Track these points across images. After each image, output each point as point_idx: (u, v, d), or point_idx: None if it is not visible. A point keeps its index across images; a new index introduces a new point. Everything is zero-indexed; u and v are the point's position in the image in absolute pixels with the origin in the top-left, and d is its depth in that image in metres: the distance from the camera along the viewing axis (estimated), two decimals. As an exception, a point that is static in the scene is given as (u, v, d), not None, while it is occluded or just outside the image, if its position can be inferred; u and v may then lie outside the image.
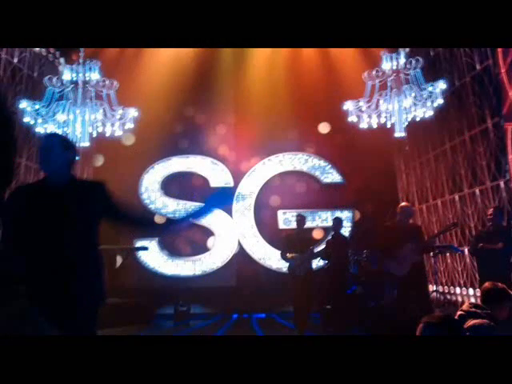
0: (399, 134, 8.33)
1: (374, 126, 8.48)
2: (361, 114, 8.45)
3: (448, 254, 8.14)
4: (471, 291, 7.51)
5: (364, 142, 8.64)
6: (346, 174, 9.86)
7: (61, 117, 8.47)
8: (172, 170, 10.06)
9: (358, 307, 6.66)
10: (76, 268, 2.41)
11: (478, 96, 7.06)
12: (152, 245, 9.43)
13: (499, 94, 6.44)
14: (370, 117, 8.45)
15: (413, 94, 8.09)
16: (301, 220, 6.71)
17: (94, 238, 2.55)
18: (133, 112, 8.73)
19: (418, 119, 8.18)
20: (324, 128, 9.64)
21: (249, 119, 9.57)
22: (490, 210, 5.90)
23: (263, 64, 9.59)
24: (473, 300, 7.01)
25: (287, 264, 6.53)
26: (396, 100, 8.30)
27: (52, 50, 8.78)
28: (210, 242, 9.80)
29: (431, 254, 6.89)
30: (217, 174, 9.96)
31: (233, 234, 9.80)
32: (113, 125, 8.73)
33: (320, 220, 9.76)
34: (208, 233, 9.75)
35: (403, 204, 6.35)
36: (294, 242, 6.49)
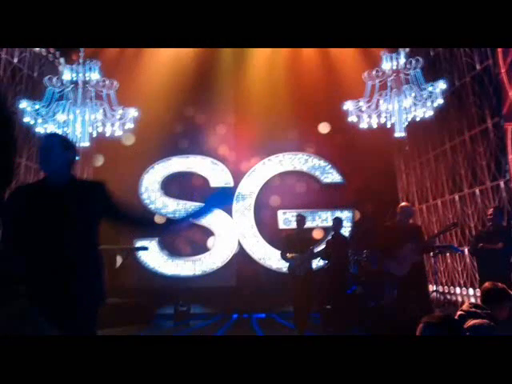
0: (399, 133, 8.34)
1: (374, 126, 8.48)
2: (361, 114, 8.45)
3: (448, 254, 8.14)
4: (471, 291, 7.51)
5: (364, 142, 8.64)
6: (346, 173, 9.86)
7: (61, 117, 8.47)
8: (172, 170, 10.06)
9: (357, 307, 6.66)
10: (76, 268, 2.41)
11: (478, 96, 7.06)
12: (152, 245, 9.43)
13: (499, 94, 6.44)
14: (370, 117, 8.45)
15: (413, 94, 8.09)
16: (301, 220, 6.71)
17: (94, 237, 2.55)
18: (133, 112, 8.73)
19: (418, 119, 8.18)
20: (324, 128, 9.64)
21: (249, 119, 9.57)
22: (490, 210, 5.90)
23: (263, 64, 9.59)
24: (473, 300, 7.01)
25: (287, 264, 6.53)
26: (396, 100, 8.30)
27: (52, 50, 8.78)
28: (210, 241, 9.80)
29: (431, 253, 6.89)
30: (217, 174, 9.96)
31: (233, 234, 9.80)
32: (113, 125, 8.73)
33: (320, 220, 9.76)
34: (208, 233, 9.75)
35: (403, 204, 6.35)
36: (294, 242, 6.49)
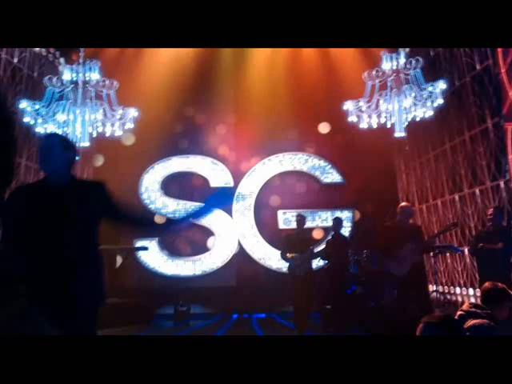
0: (399, 133, 8.34)
1: (374, 126, 8.48)
2: (361, 114, 8.45)
3: (448, 254, 8.14)
4: (471, 291, 7.51)
5: (364, 142, 8.64)
6: (346, 173, 9.86)
7: (61, 117, 8.47)
8: (172, 170, 10.06)
9: (357, 307, 6.66)
10: (76, 268, 2.41)
11: (478, 96, 7.06)
12: (152, 245, 9.43)
13: (499, 94, 6.44)
14: (370, 117, 8.45)
15: (413, 94, 8.09)
16: (301, 220, 6.71)
17: (94, 237, 2.55)
18: (133, 112, 8.73)
19: (418, 119, 8.18)
20: (324, 128, 9.64)
21: (249, 119, 9.57)
22: (490, 210, 5.90)
23: (263, 64, 9.59)
24: (473, 300, 7.01)
25: (287, 264, 6.53)
26: (396, 100, 8.30)
27: (52, 50, 8.78)
28: (210, 241, 9.80)
29: (431, 253, 6.89)
30: (217, 174, 9.96)
31: (233, 234, 9.80)
32: (113, 125, 8.73)
33: (320, 220, 9.76)
34: (208, 233, 9.75)
35: (403, 204, 6.35)
36: (294, 242, 6.49)
